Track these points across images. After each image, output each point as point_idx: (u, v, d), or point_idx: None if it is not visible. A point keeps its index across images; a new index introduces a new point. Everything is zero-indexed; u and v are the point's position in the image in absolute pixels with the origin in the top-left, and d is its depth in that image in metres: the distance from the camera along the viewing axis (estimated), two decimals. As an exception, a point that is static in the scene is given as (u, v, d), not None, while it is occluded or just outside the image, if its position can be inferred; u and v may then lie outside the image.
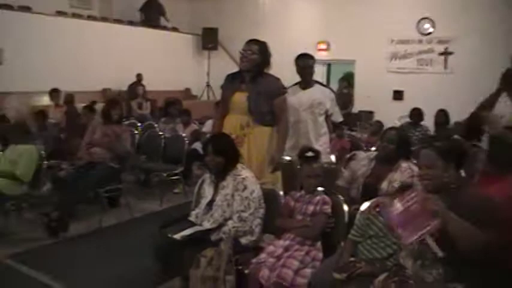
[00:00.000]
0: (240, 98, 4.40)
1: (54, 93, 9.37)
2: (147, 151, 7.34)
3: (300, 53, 5.37)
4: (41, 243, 5.20)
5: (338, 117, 5.63)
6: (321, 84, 5.72)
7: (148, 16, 13.91)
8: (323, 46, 12.94)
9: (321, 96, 5.32)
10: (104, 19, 13.09)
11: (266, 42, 4.47)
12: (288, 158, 4.90)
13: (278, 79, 4.47)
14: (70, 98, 9.10)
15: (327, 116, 5.40)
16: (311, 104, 5.24)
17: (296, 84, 5.37)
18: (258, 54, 4.34)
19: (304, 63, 5.26)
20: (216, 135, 4.19)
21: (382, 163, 4.11)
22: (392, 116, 9.45)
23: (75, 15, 12.35)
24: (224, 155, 3.75)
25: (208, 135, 4.75)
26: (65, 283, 4.24)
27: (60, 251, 5.05)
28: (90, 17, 12.87)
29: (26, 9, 11.06)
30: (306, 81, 5.32)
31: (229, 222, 3.66)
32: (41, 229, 5.38)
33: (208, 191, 3.88)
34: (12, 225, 5.48)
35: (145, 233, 4.08)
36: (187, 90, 14.86)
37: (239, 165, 3.82)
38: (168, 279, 3.85)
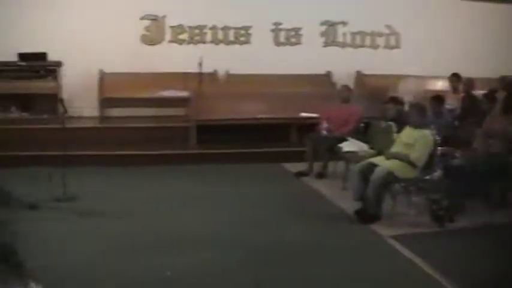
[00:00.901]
0: None
1: (453, 77, 9.13)
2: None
3: None
4: (425, 230, 5.23)
5: None
6: None
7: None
8: None
9: None
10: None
11: None
12: None
13: None
14: (470, 84, 8.77)
15: None
16: None
17: None
18: None
19: None
20: None
21: None
22: None
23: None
24: None
25: None
26: (448, 279, 4.01)
27: (443, 241, 4.97)
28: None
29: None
30: None
31: None
32: (427, 215, 5.39)
33: None
34: (399, 207, 5.61)
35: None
36: None
37: None
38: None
